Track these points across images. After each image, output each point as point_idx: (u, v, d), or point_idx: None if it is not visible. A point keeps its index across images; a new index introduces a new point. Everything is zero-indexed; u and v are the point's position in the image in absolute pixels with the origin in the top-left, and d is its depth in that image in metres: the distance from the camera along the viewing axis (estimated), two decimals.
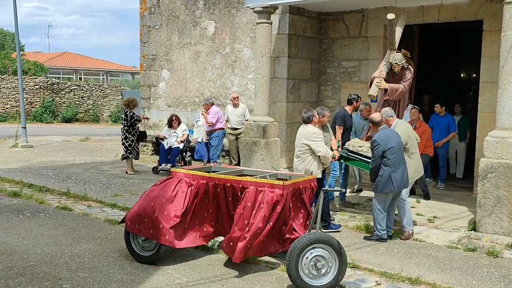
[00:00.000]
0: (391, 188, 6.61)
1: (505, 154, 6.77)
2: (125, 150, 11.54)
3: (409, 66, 7.94)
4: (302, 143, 6.91)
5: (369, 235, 6.99)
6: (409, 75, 7.91)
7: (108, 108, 29.33)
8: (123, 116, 11.58)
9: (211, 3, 12.68)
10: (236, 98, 11.20)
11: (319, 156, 6.91)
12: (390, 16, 7.82)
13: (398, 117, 8.03)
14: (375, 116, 7.00)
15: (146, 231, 5.70)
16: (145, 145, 14.14)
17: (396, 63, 7.79)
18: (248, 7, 9.87)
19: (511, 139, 6.77)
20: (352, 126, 8.64)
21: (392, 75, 8.00)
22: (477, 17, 9.30)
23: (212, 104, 11.24)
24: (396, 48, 8.08)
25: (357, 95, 8.75)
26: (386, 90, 7.83)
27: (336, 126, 8.42)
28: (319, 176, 6.89)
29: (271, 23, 9.81)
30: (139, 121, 11.61)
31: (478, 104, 9.42)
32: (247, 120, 10.88)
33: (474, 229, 7.13)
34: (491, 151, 6.90)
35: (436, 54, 13.95)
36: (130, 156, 11.53)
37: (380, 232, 6.82)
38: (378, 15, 10.35)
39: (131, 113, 11.36)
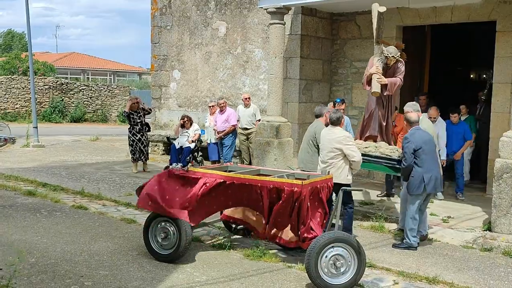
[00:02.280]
0: (422, 190, 6.47)
1: None
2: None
3: (400, 58, 7.72)
4: (334, 147, 6.46)
5: (398, 242, 6.72)
6: (402, 67, 7.68)
7: (116, 108, 29.46)
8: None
9: (222, 4, 12.74)
10: (248, 99, 11.25)
11: (351, 161, 6.50)
12: (382, 8, 7.56)
13: (390, 114, 7.91)
14: (412, 115, 6.76)
15: (162, 210, 5.82)
16: (156, 145, 14.21)
17: (393, 56, 7.53)
18: (261, 7, 9.92)
19: None
20: None
21: (386, 70, 7.72)
22: (491, 18, 9.30)
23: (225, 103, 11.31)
24: (380, 41, 7.85)
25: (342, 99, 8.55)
26: (385, 86, 7.60)
27: None
28: (350, 182, 6.61)
29: (284, 24, 9.85)
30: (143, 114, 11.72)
31: (491, 105, 9.42)
32: (258, 121, 10.93)
33: (489, 229, 7.14)
34: (506, 152, 6.91)
35: (447, 55, 13.93)
36: (133, 157, 11.74)
37: (410, 240, 6.54)
38: (391, 16, 10.34)
39: (128, 113, 11.64)
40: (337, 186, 6.25)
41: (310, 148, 7.23)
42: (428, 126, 7.10)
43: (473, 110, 10.71)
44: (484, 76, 10.54)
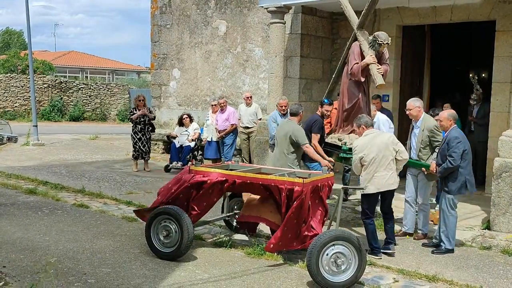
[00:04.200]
0: (465, 191, 6.41)
1: None
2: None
3: None
4: (391, 151, 6.08)
5: (431, 245, 6.58)
6: (387, 53, 7.32)
7: (115, 107, 29.49)
8: None
9: (222, 3, 12.77)
10: (249, 98, 11.28)
11: (402, 159, 6.18)
12: None
13: (368, 106, 7.48)
14: (451, 112, 6.52)
15: None
16: (156, 144, 14.24)
17: (387, 42, 7.07)
18: (262, 7, 9.96)
19: None
20: (324, 135, 7.83)
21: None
22: (490, 17, 9.35)
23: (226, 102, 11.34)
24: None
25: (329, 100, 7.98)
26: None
27: (313, 134, 7.60)
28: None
29: (284, 23, 9.90)
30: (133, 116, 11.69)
31: (490, 104, 9.47)
32: (259, 119, 10.97)
33: (488, 227, 7.20)
34: (505, 151, 6.96)
35: (447, 54, 13.97)
36: (133, 155, 11.78)
37: (451, 243, 6.38)
38: (391, 15, 10.41)
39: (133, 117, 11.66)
40: (390, 193, 6.21)
41: (286, 149, 7.07)
42: (431, 125, 7.01)
43: (470, 111, 10.58)
44: (476, 77, 10.25)
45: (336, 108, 8.03)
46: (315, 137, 7.58)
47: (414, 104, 6.88)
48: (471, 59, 15.46)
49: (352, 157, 6.77)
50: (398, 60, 10.68)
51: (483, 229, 7.30)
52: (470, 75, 10.13)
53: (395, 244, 6.34)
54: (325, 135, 7.84)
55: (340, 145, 7.14)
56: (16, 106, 26.83)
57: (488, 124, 9.60)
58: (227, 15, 12.69)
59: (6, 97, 26.69)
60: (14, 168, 11.47)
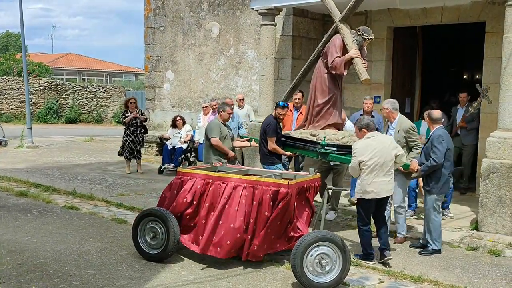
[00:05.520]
0: (447, 190, 6.43)
1: (507, 154, 6.87)
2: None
3: None
4: (392, 155, 5.90)
5: (418, 246, 6.60)
6: (366, 49, 7.19)
7: (111, 109, 29.49)
8: None
9: (215, 5, 12.80)
10: (242, 100, 11.30)
11: (401, 163, 6.09)
12: None
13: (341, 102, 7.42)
14: (436, 113, 6.45)
15: None
16: (150, 146, 14.26)
17: (371, 38, 6.94)
18: (253, 9, 9.99)
19: None
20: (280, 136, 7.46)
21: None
22: (480, 19, 9.38)
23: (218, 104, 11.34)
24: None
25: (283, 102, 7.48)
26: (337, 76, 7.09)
27: (268, 138, 7.27)
28: None
29: (275, 25, 9.92)
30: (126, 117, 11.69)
31: (480, 106, 9.49)
32: (251, 121, 10.97)
33: (476, 228, 7.22)
34: (493, 152, 6.99)
35: (440, 55, 14.01)
36: (124, 156, 11.80)
37: (437, 243, 6.41)
38: (381, 17, 10.43)
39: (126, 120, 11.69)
40: (386, 199, 6.08)
41: (206, 143, 7.62)
42: (405, 128, 7.00)
43: (457, 114, 10.46)
44: (488, 88, 9.92)
45: (291, 110, 8.23)
46: (271, 140, 7.26)
47: (384, 105, 6.95)
48: (464, 60, 15.50)
49: (330, 152, 6.67)
50: (389, 61, 10.70)
51: (471, 230, 7.32)
52: (477, 84, 9.86)
53: (389, 250, 6.18)
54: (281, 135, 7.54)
55: (316, 140, 6.85)
56: (12, 109, 26.84)
57: (475, 128, 9.60)
58: (220, 17, 12.72)
59: (2, 99, 26.70)
60: (6, 170, 11.47)
